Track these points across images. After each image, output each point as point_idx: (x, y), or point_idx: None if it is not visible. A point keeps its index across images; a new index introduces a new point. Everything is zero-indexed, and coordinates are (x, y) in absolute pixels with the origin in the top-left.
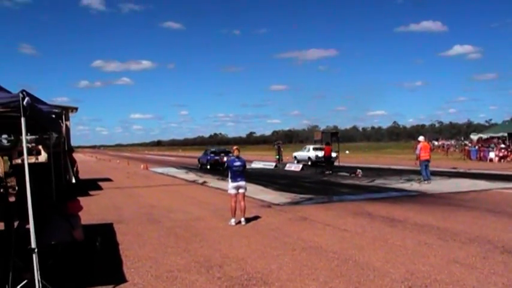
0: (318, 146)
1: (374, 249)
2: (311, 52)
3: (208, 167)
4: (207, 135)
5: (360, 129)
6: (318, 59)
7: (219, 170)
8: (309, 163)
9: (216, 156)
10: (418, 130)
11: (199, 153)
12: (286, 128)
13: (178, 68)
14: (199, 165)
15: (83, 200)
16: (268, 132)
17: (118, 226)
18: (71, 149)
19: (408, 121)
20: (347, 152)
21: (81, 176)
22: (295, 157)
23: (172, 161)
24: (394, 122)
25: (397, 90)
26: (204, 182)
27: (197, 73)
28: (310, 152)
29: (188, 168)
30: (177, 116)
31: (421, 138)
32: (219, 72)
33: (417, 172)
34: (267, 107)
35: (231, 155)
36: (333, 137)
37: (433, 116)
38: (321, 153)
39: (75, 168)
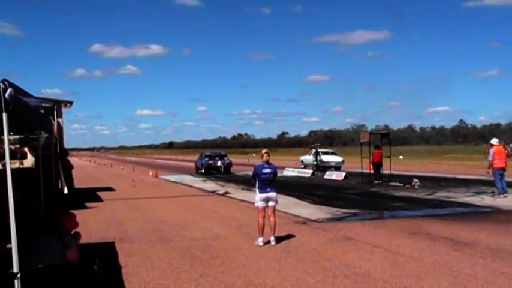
0: (324, 149)
1: (435, 279)
2: (357, 34)
3: (203, 171)
4: (229, 136)
5: (418, 129)
6: (366, 43)
7: (213, 174)
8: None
9: (210, 160)
10: (492, 131)
11: None
12: (326, 128)
13: (195, 55)
14: (196, 169)
15: (78, 214)
16: (304, 133)
17: (121, 245)
18: (65, 152)
19: (479, 119)
20: (401, 157)
21: (77, 184)
22: (301, 161)
23: (187, 167)
24: (461, 121)
25: (465, 81)
26: (226, 192)
27: (218, 61)
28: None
29: (206, 175)
30: (193, 112)
31: (494, 140)
32: (244, 60)
33: (490, 183)
34: (303, 102)
35: (226, 158)
36: (384, 139)
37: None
38: (326, 158)
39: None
